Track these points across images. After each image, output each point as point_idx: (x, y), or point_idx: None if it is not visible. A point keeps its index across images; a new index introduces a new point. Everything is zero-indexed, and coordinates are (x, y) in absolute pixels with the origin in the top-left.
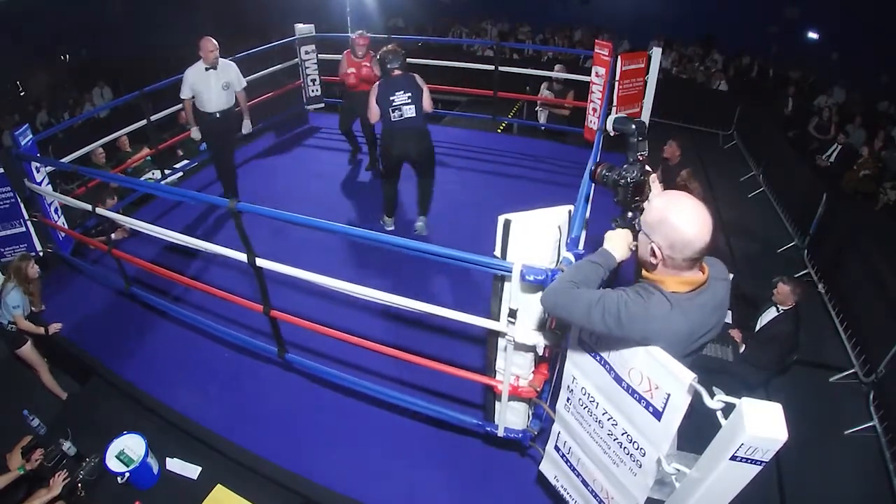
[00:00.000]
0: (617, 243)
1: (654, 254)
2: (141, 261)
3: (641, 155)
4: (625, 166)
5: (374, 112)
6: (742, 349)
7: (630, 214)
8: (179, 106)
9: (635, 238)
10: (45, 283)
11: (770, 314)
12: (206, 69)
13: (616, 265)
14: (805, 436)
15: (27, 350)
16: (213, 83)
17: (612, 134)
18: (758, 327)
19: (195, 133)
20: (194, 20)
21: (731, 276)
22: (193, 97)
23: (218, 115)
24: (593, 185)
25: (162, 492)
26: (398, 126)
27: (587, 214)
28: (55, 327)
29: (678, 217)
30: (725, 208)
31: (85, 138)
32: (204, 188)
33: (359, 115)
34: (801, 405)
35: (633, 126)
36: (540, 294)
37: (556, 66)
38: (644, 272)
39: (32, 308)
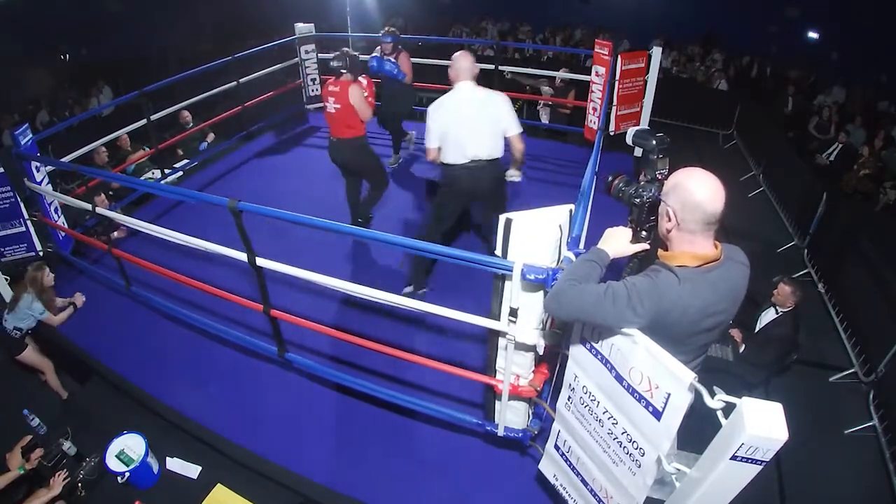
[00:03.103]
0: (612, 239)
1: (668, 218)
2: (141, 260)
3: (661, 174)
4: (642, 184)
5: None
6: (742, 349)
7: (644, 234)
8: (179, 106)
9: (638, 240)
10: None
11: (769, 315)
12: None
13: (609, 261)
14: (805, 436)
15: (29, 354)
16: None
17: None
18: (757, 328)
19: None
20: (194, 20)
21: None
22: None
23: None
24: (594, 186)
25: (162, 492)
26: None
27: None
28: (79, 300)
29: (691, 181)
30: (725, 208)
31: (85, 138)
32: (204, 188)
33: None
34: (801, 405)
35: (654, 142)
36: (541, 293)
37: (561, 69)
38: (658, 252)
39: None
